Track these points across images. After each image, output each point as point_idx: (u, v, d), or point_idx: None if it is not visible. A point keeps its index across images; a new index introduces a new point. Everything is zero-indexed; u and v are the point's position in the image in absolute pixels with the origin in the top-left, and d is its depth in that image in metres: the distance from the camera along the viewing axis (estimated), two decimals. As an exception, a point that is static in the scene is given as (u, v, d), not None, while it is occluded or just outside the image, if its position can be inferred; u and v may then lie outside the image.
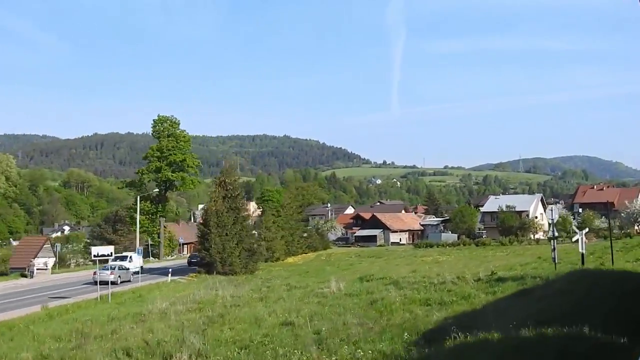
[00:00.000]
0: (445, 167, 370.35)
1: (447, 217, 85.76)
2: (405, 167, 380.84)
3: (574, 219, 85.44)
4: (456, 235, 77.85)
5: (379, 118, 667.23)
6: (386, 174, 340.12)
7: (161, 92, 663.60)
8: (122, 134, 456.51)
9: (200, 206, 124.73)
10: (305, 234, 69.51)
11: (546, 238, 67.17)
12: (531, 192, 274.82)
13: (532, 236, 75.36)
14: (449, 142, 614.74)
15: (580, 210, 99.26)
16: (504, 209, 79.40)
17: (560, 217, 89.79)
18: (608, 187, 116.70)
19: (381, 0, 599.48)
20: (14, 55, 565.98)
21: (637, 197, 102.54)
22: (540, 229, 78.21)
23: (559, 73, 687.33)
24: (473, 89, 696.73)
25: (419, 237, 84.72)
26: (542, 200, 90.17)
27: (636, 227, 75.91)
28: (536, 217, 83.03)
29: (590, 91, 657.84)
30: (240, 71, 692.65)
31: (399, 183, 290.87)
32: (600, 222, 78.03)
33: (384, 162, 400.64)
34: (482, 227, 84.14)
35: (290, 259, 60.38)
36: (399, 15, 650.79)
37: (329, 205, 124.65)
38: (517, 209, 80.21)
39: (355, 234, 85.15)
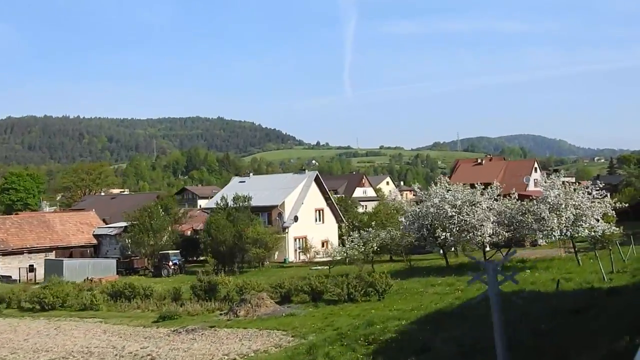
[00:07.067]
0: (381, 147, 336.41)
1: (126, 224, 45.39)
2: (339, 147, 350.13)
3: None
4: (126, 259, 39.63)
5: (325, 101, 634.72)
6: (318, 155, 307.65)
7: (88, 74, 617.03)
8: (38, 117, 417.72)
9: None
10: None
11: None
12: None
13: (266, 262, 37.76)
14: (390, 123, 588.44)
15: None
16: (231, 203, 41.02)
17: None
18: (491, 159, 79.81)
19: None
20: None
21: (530, 173, 68.22)
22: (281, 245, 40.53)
23: (508, 54, 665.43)
24: (424, 71, 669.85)
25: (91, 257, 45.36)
26: (318, 181, 49.94)
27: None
28: (295, 220, 44.93)
29: (537, 72, 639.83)
30: (180, 53, 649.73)
31: (316, 163, 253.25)
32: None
33: (318, 143, 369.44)
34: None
35: None
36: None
37: (102, 193, 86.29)
38: (255, 204, 41.85)
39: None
